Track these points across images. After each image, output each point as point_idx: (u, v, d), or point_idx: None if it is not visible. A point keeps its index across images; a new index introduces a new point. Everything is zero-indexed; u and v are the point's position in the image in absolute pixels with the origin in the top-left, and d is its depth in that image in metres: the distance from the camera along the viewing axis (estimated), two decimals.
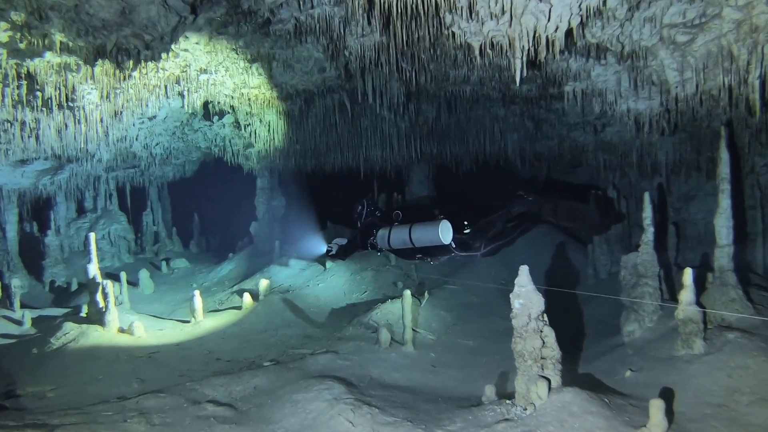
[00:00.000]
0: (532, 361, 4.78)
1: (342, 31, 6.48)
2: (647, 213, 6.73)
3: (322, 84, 9.14)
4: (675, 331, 5.91)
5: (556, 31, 4.69)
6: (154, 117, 10.59)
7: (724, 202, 6.19)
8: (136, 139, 11.67)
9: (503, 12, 4.65)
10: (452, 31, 5.35)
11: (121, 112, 8.83)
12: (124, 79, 7.64)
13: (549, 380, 4.70)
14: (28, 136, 8.79)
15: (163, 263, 16.48)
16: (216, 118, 11.62)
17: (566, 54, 6.43)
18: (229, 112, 11.26)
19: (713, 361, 5.18)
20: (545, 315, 4.87)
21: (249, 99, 9.78)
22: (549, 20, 4.55)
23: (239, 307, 10.28)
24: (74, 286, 14.43)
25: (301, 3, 6.09)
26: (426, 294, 9.63)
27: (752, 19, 4.45)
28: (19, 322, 10.51)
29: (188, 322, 9.75)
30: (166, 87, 8.46)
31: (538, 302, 4.80)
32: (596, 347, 7.07)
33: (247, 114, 11.18)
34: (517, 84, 5.08)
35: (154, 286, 13.87)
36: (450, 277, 10.75)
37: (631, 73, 6.43)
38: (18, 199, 14.98)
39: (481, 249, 5.75)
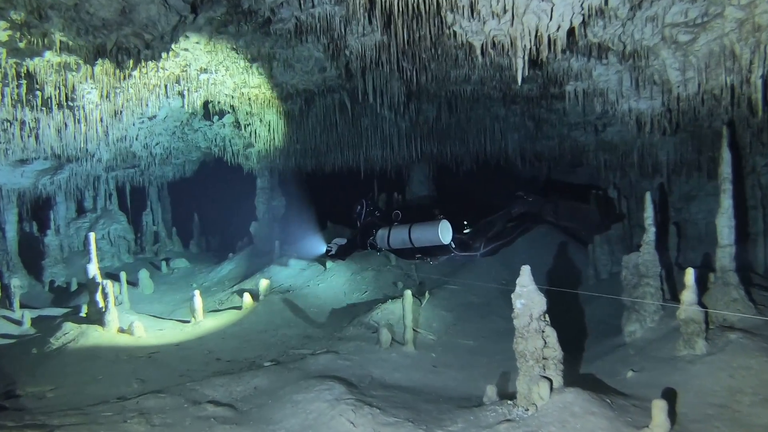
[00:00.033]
0: (534, 362, 4.76)
1: (343, 30, 6.47)
2: (649, 213, 6.71)
3: (322, 83, 9.13)
4: (676, 331, 5.89)
5: (558, 30, 4.68)
6: (154, 117, 10.58)
7: (726, 202, 6.17)
8: (136, 139, 11.66)
9: (505, 11, 4.64)
10: (453, 31, 5.33)
11: (121, 112, 8.82)
12: (124, 78, 7.63)
13: (551, 380, 4.67)
14: (28, 136, 8.78)
15: (163, 263, 16.46)
16: (216, 117, 11.60)
17: (568, 53, 6.41)
18: (229, 112, 11.24)
19: (715, 361, 5.16)
20: (547, 315, 4.86)
21: (249, 98, 9.77)
22: (551, 19, 4.54)
23: (239, 307, 10.26)
24: (74, 286, 14.41)
25: (302, 2, 6.09)
26: (427, 294, 9.61)
27: (755, 18, 4.43)
28: (18, 322, 10.49)
29: (188, 322, 9.73)
30: (166, 86, 8.45)
31: (539, 302, 4.78)
32: (597, 347, 7.05)
33: (247, 114, 11.17)
34: (519, 83, 5.07)
35: (154, 286, 13.84)
36: (450, 277, 10.74)
37: (632, 72, 6.41)
38: (17, 198, 14.96)
39: (481, 249, 5.75)
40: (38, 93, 7.52)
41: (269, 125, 11.59)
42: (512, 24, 4.67)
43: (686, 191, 11.74)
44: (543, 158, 13.40)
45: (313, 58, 8.18)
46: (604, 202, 12.26)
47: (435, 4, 4.93)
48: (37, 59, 6.77)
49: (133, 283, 13.09)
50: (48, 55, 6.72)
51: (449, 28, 5.39)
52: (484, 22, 4.92)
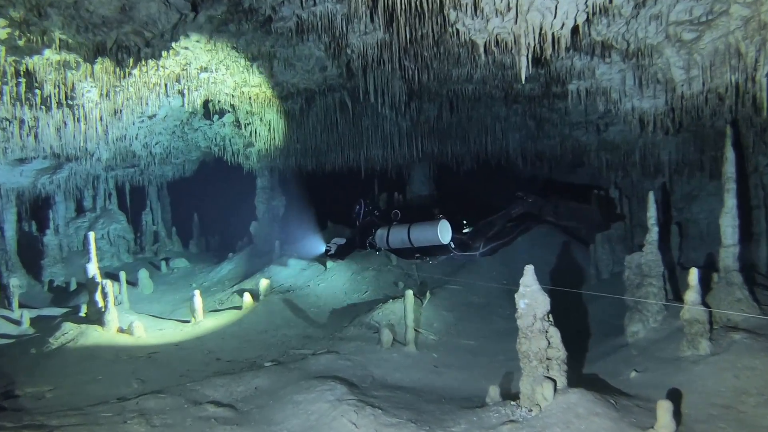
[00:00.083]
0: (537, 362, 4.73)
1: (344, 28, 6.44)
2: (652, 212, 6.67)
3: (323, 83, 9.09)
4: (680, 331, 5.86)
5: (562, 28, 4.64)
6: (154, 116, 10.53)
7: (730, 202, 6.13)
8: (136, 138, 11.61)
9: (509, 8, 4.60)
10: (456, 29, 5.30)
11: (120, 111, 8.77)
12: (124, 77, 7.59)
13: (554, 381, 4.64)
14: (27, 135, 8.73)
15: (163, 263, 16.41)
16: (216, 117, 11.56)
17: (571, 52, 6.38)
18: (229, 111, 11.20)
19: (719, 361, 5.12)
20: (550, 315, 4.83)
21: (249, 98, 9.72)
22: (555, 17, 4.51)
23: (239, 307, 10.22)
24: (73, 286, 14.36)
25: (303, 0, 6.04)
26: (428, 294, 9.57)
27: (760, 16, 4.40)
28: (17, 322, 10.44)
29: (188, 322, 9.69)
30: (166, 85, 8.40)
31: (543, 302, 4.75)
32: (600, 348, 7.01)
33: (247, 113, 11.12)
34: (522, 81, 5.03)
35: (154, 285, 13.80)
36: (451, 276, 10.70)
37: (636, 71, 6.38)
38: (17, 198, 14.91)
39: (480, 249, 5.73)
40: (37, 91, 7.48)
41: (269, 124, 11.54)
42: (516, 22, 4.63)
43: (688, 191, 11.71)
44: (544, 158, 13.37)
45: (314, 57, 8.14)
46: (605, 202, 12.24)
47: (438, 1, 4.90)
48: (36, 57, 6.73)
49: (132, 282, 13.05)
50: (47, 53, 6.68)
51: (452, 26, 5.35)
52: (487, 20, 4.88)
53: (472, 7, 4.87)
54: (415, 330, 7.49)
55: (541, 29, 4.62)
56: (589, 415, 4.29)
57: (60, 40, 6.39)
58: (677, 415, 4.15)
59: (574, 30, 4.89)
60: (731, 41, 4.78)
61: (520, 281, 4.83)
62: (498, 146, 12.52)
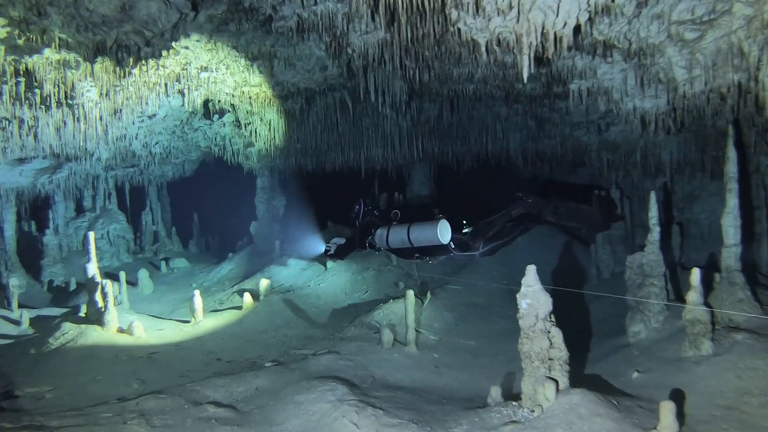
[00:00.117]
0: (540, 362, 4.71)
1: (345, 27, 6.41)
2: (653, 212, 6.66)
3: (323, 82, 9.07)
4: (682, 331, 5.85)
5: (564, 27, 4.62)
6: (154, 115, 10.50)
7: (732, 202, 6.12)
8: (136, 138, 11.57)
9: (511, 8, 4.58)
10: (458, 28, 5.27)
11: (120, 110, 8.75)
12: (124, 76, 7.57)
13: (556, 382, 4.62)
14: (27, 134, 8.70)
15: (163, 263, 16.39)
16: (216, 116, 11.53)
17: (572, 51, 6.36)
18: (229, 111, 11.18)
19: (722, 362, 5.11)
20: (552, 315, 4.81)
21: (250, 97, 9.70)
22: (557, 16, 4.48)
23: (239, 307, 10.20)
24: (73, 286, 14.34)
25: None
26: (428, 294, 9.56)
27: (764, 15, 4.38)
28: (17, 322, 10.42)
29: (188, 322, 9.67)
30: (166, 85, 8.38)
31: (545, 302, 4.73)
32: (601, 348, 7.00)
33: (247, 112, 11.10)
34: (525, 81, 5.01)
35: (154, 285, 13.78)
36: (452, 276, 10.68)
37: (637, 71, 6.36)
38: (16, 198, 14.89)
39: (480, 249, 5.70)
40: (37, 91, 7.46)
41: (270, 124, 11.52)
42: (518, 21, 4.61)
43: (689, 191, 11.70)
44: (545, 158, 13.35)
45: (314, 57, 8.11)
46: (605, 202, 12.23)
47: (439, 0, 4.88)
48: (36, 56, 6.71)
49: (132, 282, 13.03)
50: (47, 52, 6.66)
51: (453, 26, 5.33)
52: (489, 19, 4.86)
53: (474, 6, 4.84)
54: (415, 330, 7.48)
55: (543, 28, 4.60)
56: (592, 416, 4.27)
57: (60, 39, 6.36)
58: (680, 415, 4.13)
59: (576, 29, 4.86)
60: (734, 40, 4.76)
61: (522, 281, 4.81)
62: (498, 146, 12.50)
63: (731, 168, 6.10)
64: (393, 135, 12.10)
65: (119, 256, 17.37)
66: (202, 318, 9.62)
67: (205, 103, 10.20)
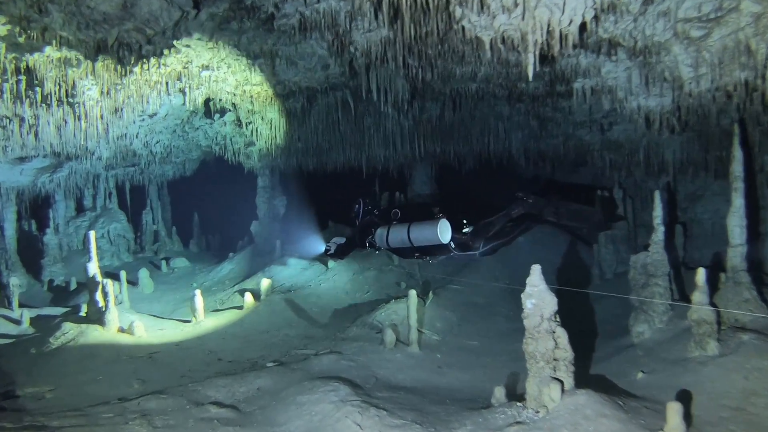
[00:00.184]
0: (545, 363, 4.66)
1: (348, 26, 6.36)
2: (658, 212, 6.62)
3: (325, 81, 9.03)
4: (686, 332, 5.81)
5: (570, 24, 4.58)
6: (155, 114, 10.46)
7: (738, 201, 6.08)
8: (136, 137, 11.54)
9: (516, 5, 4.54)
10: (462, 26, 5.23)
11: (121, 109, 8.71)
12: (125, 74, 7.54)
13: (561, 382, 4.58)
14: (27, 133, 8.67)
15: (163, 262, 16.36)
16: (217, 115, 11.49)
17: (577, 50, 6.31)
18: (230, 110, 11.13)
19: (728, 362, 5.07)
20: (557, 315, 4.76)
21: (251, 96, 9.66)
22: (563, 13, 4.44)
23: (240, 307, 10.17)
24: (73, 285, 14.31)
25: None
26: (430, 294, 9.52)
27: None
28: (17, 322, 10.39)
29: (189, 321, 9.64)
30: (167, 83, 8.34)
31: (550, 302, 4.68)
32: (605, 348, 6.96)
33: (248, 112, 11.06)
34: (530, 79, 4.96)
35: (154, 285, 13.75)
36: (453, 276, 10.65)
37: (642, 69, 6.31)
38: (16, 197, 14.85)
39: (480, 248, 5.65)
40: (38, 89, 7.42)
41: (271, 123, 11.48)
42: (523, 18, 4.56)
43: (692, 191, 11.66)
44: (547, 157, 13.30)
45: (316, 55, 8.07)
46: (606, 202, 12.18)
47: None
48: (36, 54, 6.67)
49: (132, 282, 12.99)
50: (48, 50, 6.62)
51: (457, 23, 5.28)
52: (493, 17, 4.82)
53: (479, 4, 4.79)
54: (418, 330, 7.44)
55: (548, 26, 4.56)
56: (598, 417, 4.23)
57: (61, 37, 6.32)
58: (687, 417, 4.09)
59: (582, 27, 4.82)
60: (741, 38, 4.71)
61: (527, 281, 4.76)
62: (500, 146, 12.45)
63: (737, 167, 6.06)
64: (395, 134, 12.06)
65: (119, 256, 17.34)
66: (203, 318, 9.59)
67: (206, 102, 10.17)
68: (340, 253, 6.85)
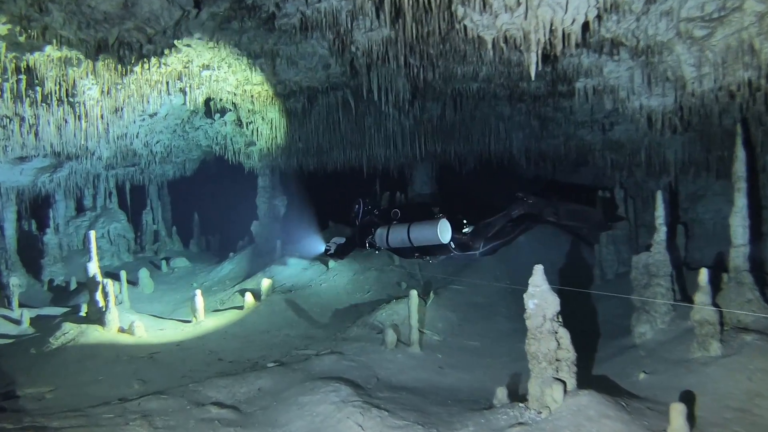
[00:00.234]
0: (547, 363, 4.65)
1: (349, 25, 6.33)
2: (660, 212, 6.59)
3: (326, 81, 9.00)
4: (689, 332, 5.79)
5: (572, 24, 4.55)
6: (155, 114, 10.44)
7: (740, 201, 6.06)
8: (137, 137, 11.51)
9: (518, 4, 4.52)
10: (464, 25, 5.20)
11: (121, 109, 8.69)
12: (126, 74, 7.51)
13: (564, 383, 4.57)
14: (28, 133, 8.64)
15: (163, 262, 16.34)
16: (218, 115, 11.47)
17: (579, 49, 6.28)
18: (230, 110, 11.11)
19: (731, 363, 5.05)
20: (560, 316, 4.75)
21: (251, 96, 9.64)
22: (566, 12, 4.42)
23: (241, 307, 10.15)
24: (73, 285, 14.28)
25: None
26: (431, 294, 9.50)
27: None
28: (17, 322, 10.37)
29: (189, 321, 9.62)
30: (167, 83, 8.32)
31: (553, 302, 4.67)
32: (606, 349, 6.94)
33: (249, 111, 11.03)
34: (532, 78, 4.94)
35: (154, 285, 13.73)
36: (454, 276, 10.62)
37: (644, 69, 6.28)
38: (16, 196, 14.82)
39: (480, 248, 5.64)
40: (38, 88, 7.40)
41: (271, 123, 11.45)
42: (526, 17, 4.54)
43: (693, 191, 11.64)
44: (547, 157, 13.28)
45: (317, 55, 8.05)
46: (607, 202, 12.15)
47: None
48: (37, 54, 6.65)
49: (132, 282, 12.97)
50: (48, 49, 6.60)
51: (459, 23, 5.25)
52: (496, 16, 4.79)
53: (481, 3, 4.77)
54: (419, 330, 7.42)
55: (551, 25, 4.54)
56: (600, 418, 4.21)
57: (61, 36, 6.30)
58: (690, 418, 4.08)
59: (584, 26, 4.80)
60: (744, 37, 4.69)
61: (529, 281, 4.75)
62: (501, 146, 12.43)
63: (740, 167, 6.04)
64: (395, 134, 12.04)
65: (120, 256, 17.32)
66: (204, 318, 9.57)
67: (207, 101, 10.15)
68: (340, 253, 6.83)
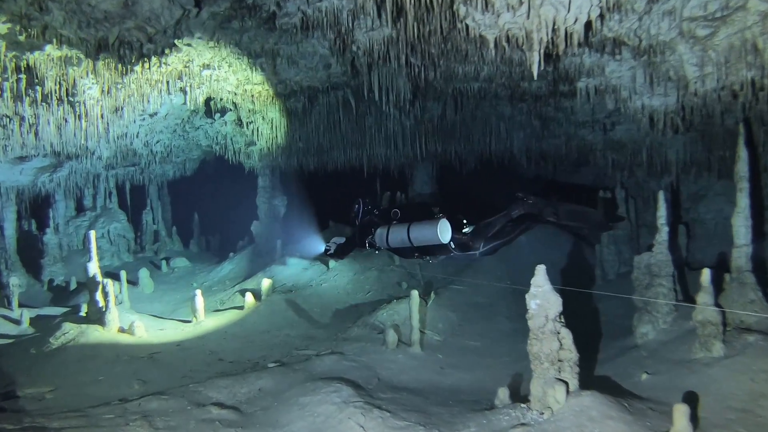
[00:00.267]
0: (549, 364, 4.63)
1: (350, 24, 6.32)
2: (662, 212, 6.57)
3: (327, 80, 8.99)
4: (691, 333, 5.77)
5: (575, 23, 4.54)
6: (155, 114, 10.42)
7: (743, 201, 6.04)
8: (137, 137, 11.49)
9: (521, 3, 4.50)
10: (466, 24, 5.19)
11: (121, 108, 8.68)
12: (126, 73, 7.50)
13: (566, 383, 4.55)
14: (27, 132, 8.62)
15: (163, 262, 16.32)
16: (218, 115, 11.45)
17: (581, 49, 6.27)
18: (231, 109, 11.09)
19: (734, 364, 5.03)
20: (562, 316, 4.73)
21: (252, 95, 9.62)
22: (569, 11, 4.40)
23: (241, 307, 10.13)
24: (73, 285, 14.26)
25: None
26: (432, 294, 9.48)
27: None
28: (17, 322, 10.35)
29: (189, 322, 9.60)
30: (168, 82, 8.31)
31: (555, 303, 4.65)
32: (608, 349, 6.92)
33: (249, 111, 11.01)
34: (534, 77, 4.92)
35: (154, 285, 13.71)
36: (455, 276, 10.60)
37: (646, 68, 6.27)
38: (16, 196, 14.80)
39: (480, 248, 5.63)
40: (38, 88, 7.38)
41: (272, 123, 11.43)
42: (528, 16, 4.52)
43: (694, 191, 11.62)
44: (548, 157, 13.26)
45: (318, 55, 8.03)
46: (607, 202, 12.13)
47: None
48: (37, 53, 6.63)
49: (132, 282, 12.95)
50: (48, 48, 6.58)
51: (461, 22, 5.24)
52: (498, 15, 4.78)
53: (483, 2, 4.75)
54: (420, 331, 7.40)
55: (554, 24, 4.52)
56: (603, 419, 4.20)
57: (61, 35, 6.28)
58: (693, 419, 4.06)
59: (587, 25, 4.78)
60: (748, 37, 4.67)
61: (531, 281, 4.73)
62: (502, 145, 12.42)
63: (742, 167, 6.02)
64: (396, 134, 12.03)
65: (120, 256, 17.30)
66: (204, 318, 9.55)
67: (207, 101, 10.13)
68: (339, 253, 6.82)
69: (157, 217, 19.36)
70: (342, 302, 10.74)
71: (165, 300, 12.65)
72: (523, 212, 5.61)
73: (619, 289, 8.55)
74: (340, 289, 11.32)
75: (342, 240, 6.70)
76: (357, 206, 6.39)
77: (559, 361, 4.65)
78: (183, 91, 8.84)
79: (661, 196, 6.65)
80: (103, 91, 7.87)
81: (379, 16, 5.73)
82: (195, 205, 20.50)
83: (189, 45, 7.40)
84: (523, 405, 4.74)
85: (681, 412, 3.91)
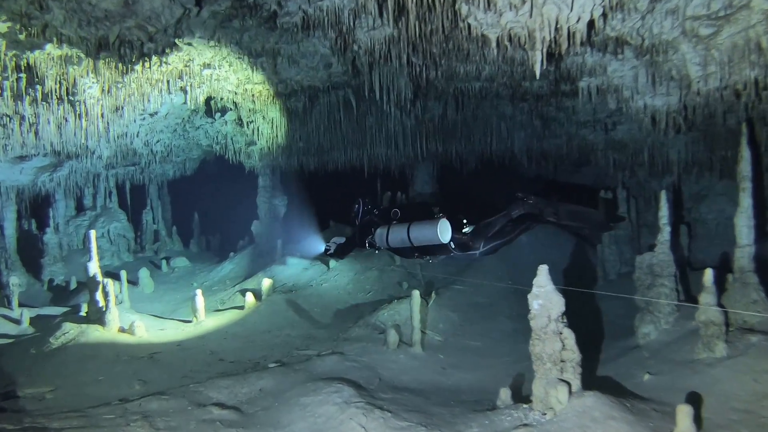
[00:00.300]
0: (551, 364, 4.61)
1: (351, 23, 6.30)
2: (664, 212, 6.56)
3: (327, 80, 8.96)
4: (693, 333, 5.75)
5: (578, 22, 4.52)
6: (156, 113, 10.41)
7: (746, 201, 6.02)
8: (137, 136, 11.48)
9: (523, 2, 4.48)
10: (468, 23, 5.17)
11: (122, 108, 8.66)
12: (126, 72, 7.48)
13: (569, 384, 4.53)
14: (28, 131, 8.60)
15: (163, 262, 16.30)
16: (218, 114, 11.44)
17: (583, 48, 6.25)
18: (231, 109, 11.08)
19: (737, 364, 5.01)
20: (565, 316, 4.71)
21: (252, 95, 9.60)
22: (571, 10, 4.38)
23: (241, 307, 10.11)
24: (73, 285, 14.24)
25: None
26: (433, 294, 9.46)
27: None
28: (17, 321, 10.33)
29: (189, 321, 9.58)
30: (168, 82, 8.29)
31: (558, 303, 4.63)
32: (610, 349, 6.90)
33: (250, 111, 11.00)
34: (537, 77, 4.90)
35: (154, 285, 13.69)
36: (456, 276, 10.58)
37: (649, 68, 6.25)
38: (16, 196, 14.78)
39: (480, 248, 5.61)
40: (38, 87, 7.36)
41: (272, 122, 11.41)
42: (531, 15, 4.51)
43: (696, 191, 11.61)
44: (549, 157, 13.24)
45: (318, 54, 8.01)
46: (608, 203, 12.11)
47: None
48: (37, 52, 6.61)
49: (132, 282, 12.93)
50: (49, 47, 6.56)
51: (463, 21, 5.22)
52: (500, 14, 4.76)
53: (485, 1, 4.74)
54: (421, 331, 7.38)
55: (556, 23, 4.50)
56: (606, 419, 4.17)
57: (62, 34, 6.26)
58: (696, 419, 4.03)
59: (590, 24, 4.76)
60: (751, 36, 4.66)
61: (534, 281, 4.71)
62: (503, 145, 12.40)
63: (745, 167, 6.00)
64: (397, 134, 12.00)
65: (120, 255, 17.28)
66: (204, 318, 9.53)
67: (207, 100, 10.11)
68: (339, 253, 6.81)
69: (157, 217, 19.34)
70: (343, 302, 10.73)
71: (165, 300, 12.62)
72: (524, 212, 5.60)
73: (620, 289, 8.52)
74: (340, 288, 11.30)
75: (342, 240, 6.69)
76: (357, 206, 6.38)
77: (562, 361, 4.63)
78: (183, 90, 8.82)
79: (663, 196, 6.63)
80: (103, 90, 7.86)
81: (381, 15, 5.71)
82: (195, 205, 20.49)
83: (189, 44, 7.38)
84: (525, 405, 4.73)
85: (684, 413, 3.89)
